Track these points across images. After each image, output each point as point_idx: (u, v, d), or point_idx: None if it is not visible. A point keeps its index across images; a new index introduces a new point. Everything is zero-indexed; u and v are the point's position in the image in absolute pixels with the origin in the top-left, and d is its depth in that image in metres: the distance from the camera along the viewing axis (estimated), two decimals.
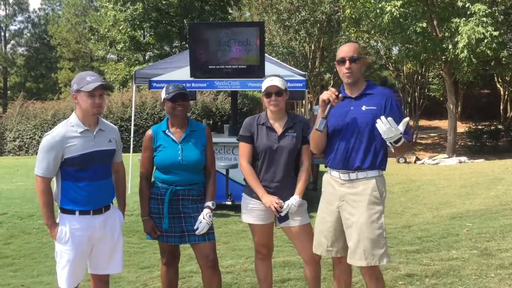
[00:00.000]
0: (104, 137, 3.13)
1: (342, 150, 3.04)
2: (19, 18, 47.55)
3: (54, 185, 3.09)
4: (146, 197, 3.41)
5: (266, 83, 3.34)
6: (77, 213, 3.03)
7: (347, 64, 3.02)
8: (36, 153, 3.06)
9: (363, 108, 3.02)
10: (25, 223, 7.83)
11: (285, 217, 3.26)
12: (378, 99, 3.04)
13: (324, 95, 2.99)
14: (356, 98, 3.07)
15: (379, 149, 3.02)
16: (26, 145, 21.17)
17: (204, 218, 3.29)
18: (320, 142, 3.11)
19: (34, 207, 8.49)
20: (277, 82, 3.31)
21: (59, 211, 3.09)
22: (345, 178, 3.05)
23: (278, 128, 3.37)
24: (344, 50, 3.06)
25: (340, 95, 3.01)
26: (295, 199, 3.25)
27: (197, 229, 3.29)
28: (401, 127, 2.85)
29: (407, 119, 2.94)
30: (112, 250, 3.19)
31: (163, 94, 3.39)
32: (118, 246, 3.22)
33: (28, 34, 47.05)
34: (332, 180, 3.13)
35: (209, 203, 3.37)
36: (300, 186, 3.31)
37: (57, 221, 3.06)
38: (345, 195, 3.05)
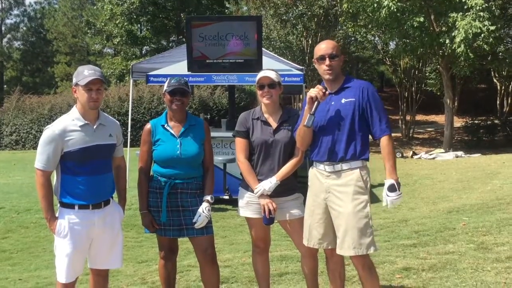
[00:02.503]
0: (104, 131, 3.12)
1: (326, 143, 3.12)
2: (15, 12, 47.19)
3: (54, 178, 3.09)
4: (145, 191, 3.42)
5: (259, 76, 3.37)
6: (76, 207, 3.03)
7: (327, 61, 3.11)
8: (33, 148, 3.08)
9: (343, 101, 3.12)
10: (22, 217, 7.83)
11: (271, 220, 3.30)
12: (354, 91, 3.14)
13: (312, 92, 3.06)
14: (336, 93, 3.17)
15: (360, 140, 3.10)
16: (23, 140, 21.09)
17: (203, 212, 3.30)
18: (307, 138, 3.17)
19: (31, 201, 8.48)
20: (270, 74, 3.34)
21: (58, 205, 3.09)
22: (330, 170, 3.11)
23: (273, 122, 3.38)
24: (323, 48, 3.15)
25: (327, 92, 3.10)
26: (270, 182, 3.27)
27: (195, 222, 3.30)
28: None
29: None
30: (112, 245, 3.19)
31: (165, 86, 3.41)
32: (117, 241, 3.22)
33: (24, 28, 46.74)
34: (318, 173, 3.19)
35: (207, 197, 3.38)
36: (282, 169, 3.31)
37: (56, 215, 3.07)
38: (331, 187, 3.11)
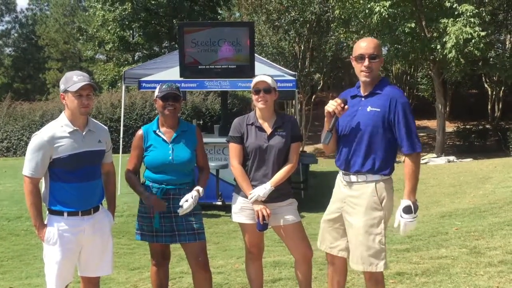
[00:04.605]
0: (93, 137, 3.09)
1: (345, 152, 3.01)
2: (6, 18, 47.04)
3: (43, 185, 3.06)
4: (137, 182, 3.38)
5: (255, 80, 3.35)
6: (65, 214, 2.99)
7: (367, 62, 2.89)
8: (24, 154, 3.02)
9: (368, 109, 2.92)
10: (13, 224, 7.75)
11: (265, 226, 3.28)
12: (383, 100, 2.90)
13: (330, 107, 2.92)
14: (366, 97, 2.98)
15: (381, 154, 2.91)
16: (14, 146, 20.93)
17: (191, 198, 3.25)
18: (330, 146, 3.07)
19: (22, 208, 8.40)
20: (266, 79, 3.32)
21: (47, 212, 3.05)
22: (346, 179, 3.04)
23: (267, 127, 3.37)
24: (364, 47, 2.92)
25: (346, 106, 2.92)
26: (264, 188, 3.25)
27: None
28: None
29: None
30: (102, 251, 3.15)
31: (156, 92, 3.39)
32: (107, 247, 3.18)
33: (16, 35, 46.62)
34: (339, 180, 3.14)
35: (198, 187, 3.34)
36: (276, 175, 3.29)
37: (45, 222, 3.03)
38: (346, 197, 3.04)
